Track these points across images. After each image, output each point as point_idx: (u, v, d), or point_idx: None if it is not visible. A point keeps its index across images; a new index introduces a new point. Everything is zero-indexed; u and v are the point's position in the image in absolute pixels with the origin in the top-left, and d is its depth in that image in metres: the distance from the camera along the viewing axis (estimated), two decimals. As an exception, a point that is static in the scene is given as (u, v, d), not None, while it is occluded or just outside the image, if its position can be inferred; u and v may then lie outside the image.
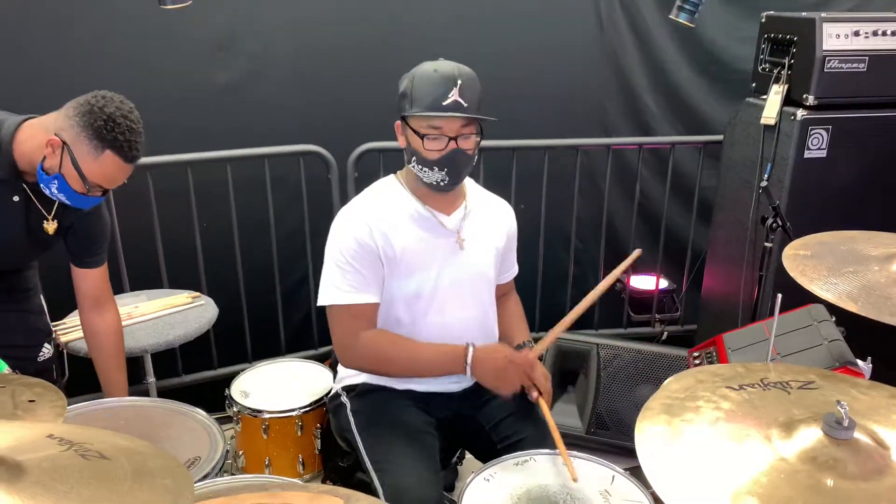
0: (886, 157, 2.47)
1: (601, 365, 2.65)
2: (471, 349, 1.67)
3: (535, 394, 1.68)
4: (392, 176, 1.83)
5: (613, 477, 1.46)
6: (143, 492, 0.90)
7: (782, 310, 1.89)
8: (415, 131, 1.65)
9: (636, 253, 1.81)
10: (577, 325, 3.11)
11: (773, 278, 2.40)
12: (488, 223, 1.85)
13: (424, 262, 1.74)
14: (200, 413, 1.76)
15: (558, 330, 1.76)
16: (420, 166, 1.69)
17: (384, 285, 1.74)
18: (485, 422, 1.79)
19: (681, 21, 2.06)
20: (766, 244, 2.30)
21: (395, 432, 1.70)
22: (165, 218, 2.69)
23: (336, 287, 1.71)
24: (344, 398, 1.85)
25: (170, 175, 2.65)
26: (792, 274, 1.33)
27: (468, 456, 2.17)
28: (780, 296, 1.28)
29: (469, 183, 1.88)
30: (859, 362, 1.57)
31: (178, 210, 2.70)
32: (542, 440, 1.67)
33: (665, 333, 3.23)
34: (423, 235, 1.74)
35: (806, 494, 0.83)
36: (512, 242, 1.94)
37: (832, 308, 1.70)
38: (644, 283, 3.30)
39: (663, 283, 3.29)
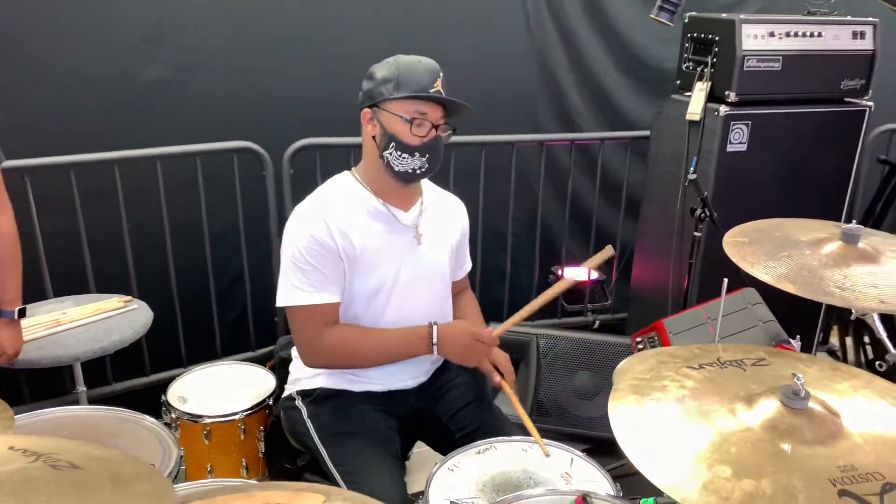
0: (800, 149, 2.66)
1: (540, 354, 2.72)
2: (434, 328, 1.71)
3: (496, 378, 1.72)
4: (347, 172, 1.82)
5: (572, 459, 1.52)
6: (125, 499, 0.88)
7: (716, 295, 2.01)
8: (400, 116, 1.64)
9: (609, 250, 1.89)
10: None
11: (700, 266, 2.53)
12: (443, 219, 1.87)
13: (384, 259, 1.74)
14: (148, 419, 1.71)
15: (523, 314, 1.82)
16: (399, 153, 1.67)
17: (345, 283, 1.73)
18: (442, 413, 1.82)
19: (661, 20, 2.13)
20: (696, 234, 2.42)
21: (360, 440, 1.70)
22: (91, 219, 2.57)
23: (296, 287, 1.68)
24: (299, 403, 1.83)
25: (96, 174, 2.53)
26: (734, 259, 1.41)
27: (416, 450, 2.19)
28: (725, 280, 1.36)
29: (424, 180, 1.89)
30: (792, 341, 1.69)
31: (105, 211, 2.59)
32: (499, 428, 1.71)
33: (597, 322, 3.35)
34: (381, 232, 1.74)
35: (771, 460, 0.89)
36: (465, 238, 1.97)
37: (764, 292, 1.82)
38: (576, 274, 3.41)
39: (594, 275, 3.41)
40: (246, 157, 2.76)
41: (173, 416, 2.23)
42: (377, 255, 1.73)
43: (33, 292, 2.40)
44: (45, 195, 2.47)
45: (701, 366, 1.10)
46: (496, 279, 3.29)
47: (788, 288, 1.29)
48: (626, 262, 3.31)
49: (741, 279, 2.12)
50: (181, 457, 1.58)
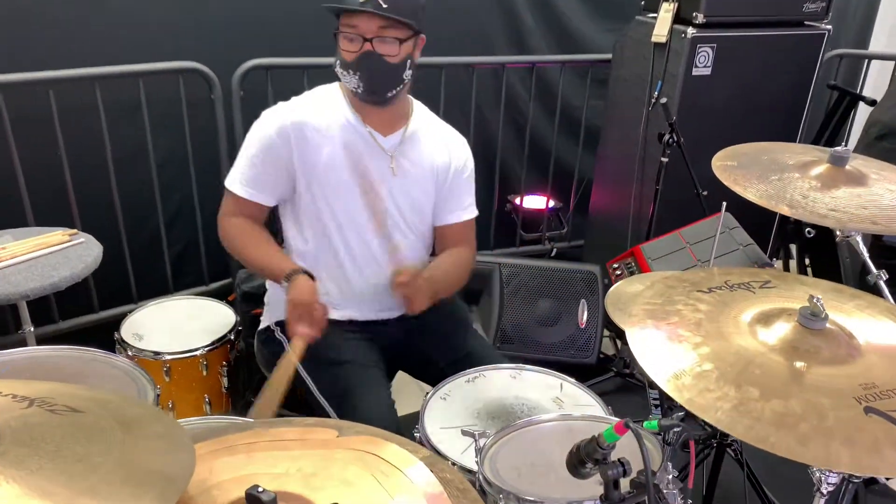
0: (763, 73, 2.67)
1: (503, 283, 2.72)
2: (287, 280, 1.60)
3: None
4: (337, 83, 1.71)
5: (561, 385, 1.53)
6: (140, 441, 0.81)
7: (685, 223, 2.03)
8: (336, 30, 1.56)
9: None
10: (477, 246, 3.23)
11: (664, 192, 2.55)
12: (431, 153, 1.75)
13: (349, 181, 1.65)
14: (117, 357, 1.61)
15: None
16: (341, 70, 1.59)
17: (295, 196, 1.70)
18: (424, 345, 1.79)
19: None
20: (662, 159, 2.43)
21: (347, 368, 1.66)
22: (26, 146, 2.36)
23: (239, 173, 1.71)
24: (279, 334, 1.76)
25: (28, 96, 2.31)
26: (725, 182, 1.41)
27: (397, 377, 2.18)
28: (724, 204, 1.36)
29: (418, 107, 1.79)
30: (772, 263, 1.72)
31: (40, 136, 2.37)
32: (484, 356, 1.70)
33: (554, 250, 3.37)
34: (352, 151, 1.65)
35: (795, 380, 0.91)
36: (460, 180, 1.80)
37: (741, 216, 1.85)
38: (534, 202, 3.40)
39: (552, 203, 3.41)
40: (192, 79, 2.57)
41: (130, 353, 2.14)
42: (344, 173, 1.65)
43: (-34, 225, 2.23)
44: (-30, 120, 2.25)
45: (710, 289, 1.10)
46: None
47: (784, 210, 1.30)
48: (583, 190, 3.32)
49: (710, 206, 2.15)
50: (158, 395, 1.51)
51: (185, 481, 0.75)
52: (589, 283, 2.66)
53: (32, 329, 2.12)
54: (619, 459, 0.85)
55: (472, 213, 1.85)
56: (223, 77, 2.60)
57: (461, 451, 1.26)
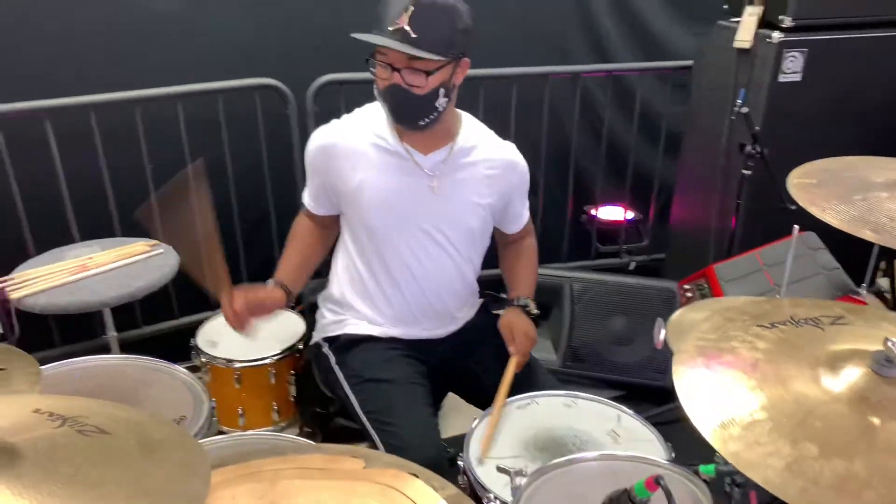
0: (862, 80, 2.47)
1: (574, 299, 2.64)
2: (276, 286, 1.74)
3: None
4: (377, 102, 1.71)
5: (619, 416, 1.45)
6: (157, 468, 0.82)
7: (765, 238, 1.89)
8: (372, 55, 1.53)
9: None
10: (548, 259, 3.15)
11: (746, 206, 2.40)
12: (480, 169, 1.68)
13: (383, 199, 1.63)
14: (179, 369, 1.67)
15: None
16: (376, 93, 1.58)
17: (345, 213, 1.73)
18: (473, 365, 1.75)
19: None
20: (744, 172, 2.28)
21: (389, 386, 1.63)
22: (114, 161, 2.50)
23: (307, 183, 1.79)
24: (326, 349, 1.77)
25: (116, 114, 2.44)
26: (802, 203, 1.30)
27: (449, 397, 2.15)
28: (796, 227, 1.25)
29: (468, 122, 1.71)
30: (860, 290, 1.58)
31: (127, 152, 2.50)
32: (535, 381, 1.64)
33: (633, 264, 3.24)
34: (388, 170, 1.62)
35: (863, 437, 0.81)
36: (514, 194, 1.77)
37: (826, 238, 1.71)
38: (611, 213, 3.29)
39: (630, 214, 3.28)
40: (268, 95, 2.65)
41: (203, 359, 2.21)
42: (377, 193, 1.62)
43: (60, 236, 2.37)
44: (65, 137, 2.39)
45: (773, 324, 1.00)
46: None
47: (867, 235, 1.18)
48: (664, 201, 3.17)
49: (799, 222, 2.00)
50: (213, 408, 1.54)
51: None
52: (667, 301, 2.53)
53: (116, 334, 2.23)
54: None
55: (525, 218, 1.89)
56: (298, 93, 2.65)
57: (504, 484, 1.21)
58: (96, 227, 2.45)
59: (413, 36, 1.42)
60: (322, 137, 1.68)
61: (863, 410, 0.83)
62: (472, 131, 1.71)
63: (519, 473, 1.06)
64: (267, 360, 2.21)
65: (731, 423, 0.84)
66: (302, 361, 2.32)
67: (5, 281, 2.05)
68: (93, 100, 2.35)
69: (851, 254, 2.06)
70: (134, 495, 0.76)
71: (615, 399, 1.47)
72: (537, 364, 1.77)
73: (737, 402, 0.87)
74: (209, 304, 2.80)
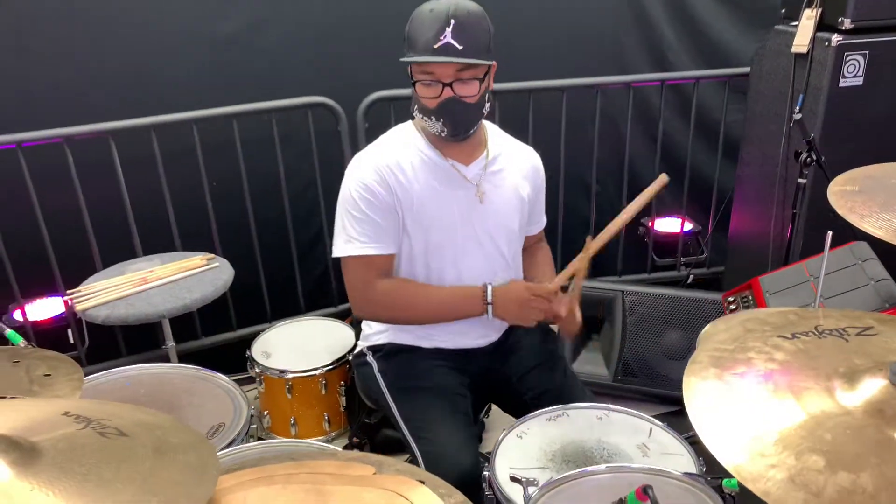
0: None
1: (626, 311, 2.59)
2: (489, 287, 1.62)
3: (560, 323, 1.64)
4: (410, 122, 1.73)
5: (651, 430, 1.41)
6: (166, 470, 0.86)
7: (819, 250, 1.80)
8: (411, 78, 1.56)
9: (662, 179, 1.69)
10: (601, 272, 3.10)
11: (806, 216, 2.30)
12: (512, 173, 1.75)
13: (440, 215, 1.65)
14: (222, 378, 1.73)
15: (583, 257, 1.64)
16: (420, 115, 1.60)
17: (401, 236, 1.67)
18: (511, 374, 1.74)
19: None
20: (800, 180, 2.19)
21: (429, 395, 1.65)
22: (174, 179, 2.63)
23: (350, 237, 1.64)
24: (370, 358, 1.80)
25: (175, 134, 2.57)
26: (840, 211, 1.24)
27: (494, 408, 2.14)
28: (830, 232, 1.19)
29: (491, 129, 1.78)
30: (909, 302, 1.49)
31: (186, 170, 2.64)
32: (571, 393, 1.62)
33: (691, 277, 3.15)
34: (438, 185, 1.65)
35: (876, 450, 0.76)
36: (539, 193, 1.84)
37: (878, 247, 1.61)
38: (668, 225, 3.21)
39: (688, 226, 3.20)
40: (320, 113, 2.73)
41: (257, 370, 2.28)
42: (435, 209, 1.65)
43: (124, 251, 2.51)
44: (129, 157, 2.53)
45: (794, 335, 0.96)
46: (580, 230, 3.15)
47: (906, 244, 1.11)
48: (723, 211, 3.07)
49: (853, 232, 1.91)
50: (252, 416, 1.60)
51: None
52: (721, 314, 2.44)
53: (174, 345, 2.33)
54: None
55: (544, 220, 1.92)
56: (349, 110, 2.73)
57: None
58: (158, 243, 2.58)
59: (459, 48, 1.48)
60: (375, 162, 1.64)
61: (877, 424, 0.79)
62: (499, 137, 1.78)
63: (531, 483, 1.06)
64: (318, 371, 2.26)
65: (737, 435, 0.81)
66: (352, 372, 2.36)
67: (73, 293, 2.18)
68: (154, 121, 2.49)
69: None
70: (140, 493, 0.79)
71: (665, 415, 1.43)
72: (573, 377, 1.75)
73: (745, 413, 0.84)
74: (266, 317, 2.91)
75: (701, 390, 0.90)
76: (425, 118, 1.59)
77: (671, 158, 3.14)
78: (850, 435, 0.78)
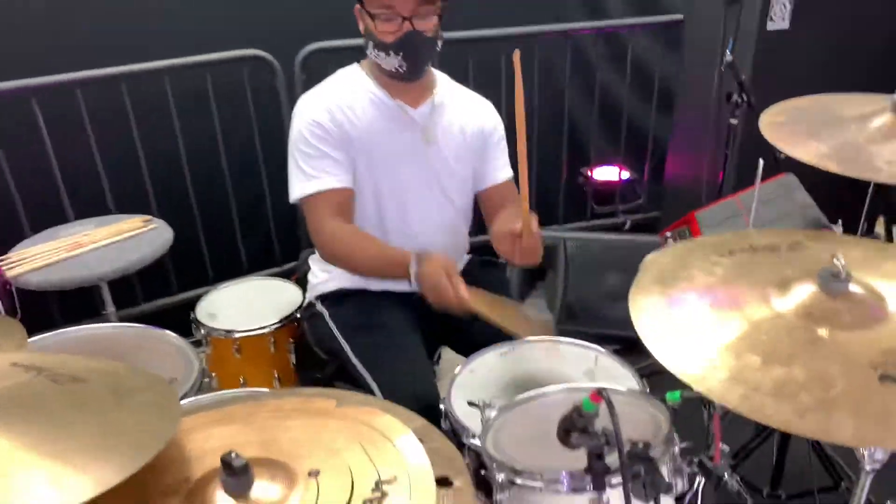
0: (848, 22, 2.44)
1: (568, 258, 2.65)
2: (413, 264, 1.54)
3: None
4: (356, 64, 1.72)
5: (596, 357, 1.47)
6: (126, 411, 0.85)
7: (751, 183, 1.89)
8: (367, 12, 1.55)
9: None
10: (543, 221, 3.14)
11: (737, 156, 2.39)
12: (462, 119, 1.74)
13: (386, 155, 1.65)
14: (170, 334, 1.70)
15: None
16: (377, 51, 1.59)
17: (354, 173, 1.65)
18: (464, 319, 1.76)
19: None
20: (732, 121, 2.27)
21: (383, 331, 1.66)
22: (103, 139, 2.52)
23: (308, 176, 1.61)
24: (319, 307, 1.80)
25: (102, 91, 2.45)
26: (771, 140, 1.30)
27: (444, 357, 2.18)
28: (761, 161, 1.25)
29: (441, 76, 1.78)
30: (832, 226, 1.58)
31: (117, 129, 2.53)
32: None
33: (628, 222, 3.25)
34: (385, 125, 1.65)
35: (806, 347, 0.82)
36: (494, 140, 1.80)
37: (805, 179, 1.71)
38: (606, 174, 3.29)
39: (625, 174, 3.28)
40: (256, 67, 2.65)
41: (203, 332, 2.25)
42: (379, 148, 1.64)
43: (55, 216, 2.41)
44: (51, 118, 2.42)
45: (732, 252, 1.02)
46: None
47: (830, 167, 1.18)
48: (659, 159, 3.17)
49: (778, 166, 2.00)
50: (204, 369, 1.58)
51: (155, 448, 0.77)
52: (658, 255, 2.53)
53: (115, 310, 2.27)
54: (602, 430, 0.81)
55: (509, 171, 1.83)
56: (285, 63, 2.66)
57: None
58: (90, 206, 2.48)
59: None
60: (324, 100, 1.63)
61: (807, 325, 0.85)
62: (448, 83, 1.78)
63: (488, 406, 1.10)
64: (266, 329, 2.24)
65: (681, 342, 0.86)
66: (300, 329, 2.36)
67: (2, 260, 2.09)
68: (78, 76, 2.37)
69: (846, 202, 2.06)
70: (103, 435, 0.79)
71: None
72: (524, 314, 1.79)
73: (686, 323, 0.89)
74: (207, 280, 2.85)
75: (646, 306, 0.94)
76: (382, 54, 1.57)
77: (607, 109, 3.19)
78: (783, 335, 0.84)
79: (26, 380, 0.88)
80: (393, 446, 0.91)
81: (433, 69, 1.76)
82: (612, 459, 0.88)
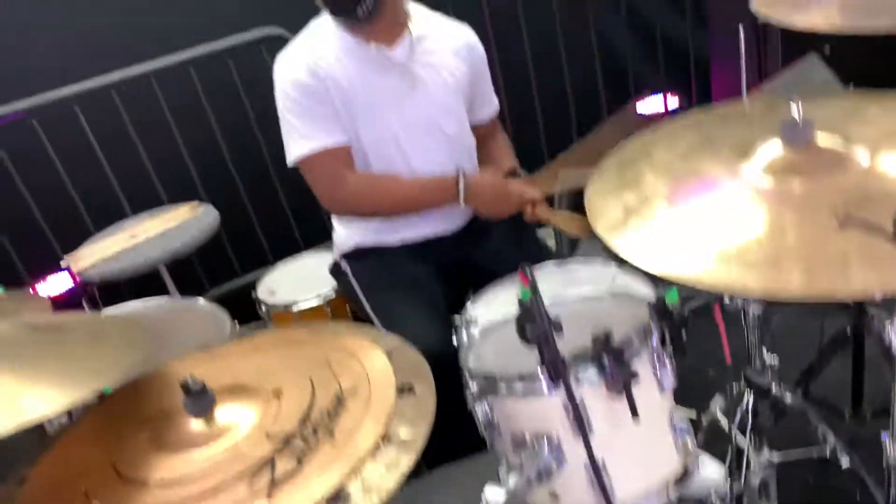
0: None
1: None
2: (461, 176, 1.58)
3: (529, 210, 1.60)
4: (325, 14, 1.69)
5: (614, 276, 1.40)
6: (100, 349, 0.90)
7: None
8: None
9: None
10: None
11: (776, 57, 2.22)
12: (444, 53, 1.68)
13: (372, 104, 1.61)
14: (200, 300, 1.77)
15: (559, 167, 1.59)
16: None
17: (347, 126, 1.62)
18: (485, 259, 1.73)
19: None
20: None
21: (398, 287, 1.67)
22: (145, 135, 2.63)
23: (303, 135, 1.60)
24: (344, 265, 1.82)
25: (135, 90, 2.55)
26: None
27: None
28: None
29: (415, 8, 1.70)
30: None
31: (156, 125, 2.63)
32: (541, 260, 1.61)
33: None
34: (366, 73, 1.61)
35: (761, 203, 0.76)
36: (480, 69, 1.76)
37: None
38: (650, 106, 3.11)
39: (672, 103, 3.09)
40: (274, 45, 2.68)
41: (265, 309, 2.32)
42: (364, 98, 1.61)
43: (113, 214, 2.55)
44: (96, 122, 2.55)
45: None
46: (560, 118, 3.06)
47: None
48: (703, 79, 2.98)
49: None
50: (236, 329, 1.64)
51: (116, 375, 0.81)
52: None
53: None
54: (548, 318, 0.78)
55: (496, 104, 1.83)
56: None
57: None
58: (144, 201, 2.61)
59: None
60: (302, 58, 1.60)
61: (767, 178, 0.78)
62: (424, 15, 1.71)
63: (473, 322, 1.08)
64: (322, 299, 2.28)
65: (630, 215, 0.81)
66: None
67: (69, 257, 2.23)
68: (111, 80, 2.48)
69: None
70: (70, 364, 0.84)
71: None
72: (546, 249, 1.76)
73: (638, 199, 0.84)
74: (267, 260, 2.94)
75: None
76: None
77: (639, 30, 3.00)
78: (752, 202, 0.78)
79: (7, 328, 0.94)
80: (358, 362, 0.92)
81: (410, 2, 1.69)
82: (578, 351, 0.86)
